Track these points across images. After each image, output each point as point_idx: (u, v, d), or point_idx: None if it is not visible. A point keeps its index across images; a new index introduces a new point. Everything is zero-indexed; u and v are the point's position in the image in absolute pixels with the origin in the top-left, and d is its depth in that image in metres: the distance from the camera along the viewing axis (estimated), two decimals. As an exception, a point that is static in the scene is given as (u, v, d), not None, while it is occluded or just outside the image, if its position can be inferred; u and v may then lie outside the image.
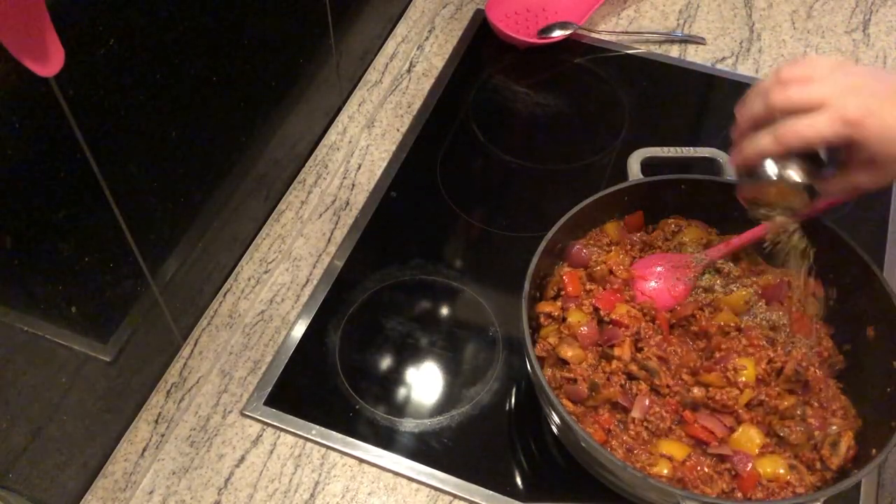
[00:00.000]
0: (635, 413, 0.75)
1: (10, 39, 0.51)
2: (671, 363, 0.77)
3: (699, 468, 0.73)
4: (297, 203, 1.03)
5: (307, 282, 0.97)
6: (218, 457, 0.84)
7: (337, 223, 1.02)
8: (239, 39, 0.84)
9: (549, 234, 0.83)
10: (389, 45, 1.20)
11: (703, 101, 1.16)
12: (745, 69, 1.17)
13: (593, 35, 1.21)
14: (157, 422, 0.86)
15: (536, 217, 1.00)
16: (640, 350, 0.78)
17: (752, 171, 0.70)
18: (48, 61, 0.53)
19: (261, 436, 0.86)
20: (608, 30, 1.22)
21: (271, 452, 0.85)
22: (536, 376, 0.75)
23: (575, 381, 0.77)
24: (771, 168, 0.68)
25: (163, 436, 0.85)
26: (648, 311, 0.81)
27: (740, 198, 0.74)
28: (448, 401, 0.88)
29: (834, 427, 0.76)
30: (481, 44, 1.22)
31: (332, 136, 1.10)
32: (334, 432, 0.85)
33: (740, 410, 0.75)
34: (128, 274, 0.77)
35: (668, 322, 0.81)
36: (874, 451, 0.72)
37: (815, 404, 0.77)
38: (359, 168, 1.07)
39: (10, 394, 0.67)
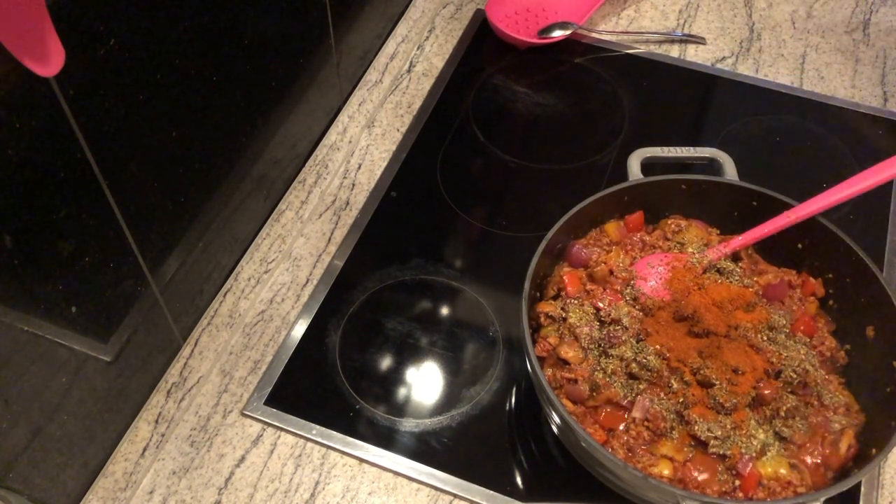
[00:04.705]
0: (636, 413, 0.75)
1: (10, 39, 0.51)
2: (672, 363, 0.77)
3: (700, 469, 0.73)
4: (297, 203, 1.04)
5: (307, 282, 0.97)
6: (218, 457, 0.84)
7: (337, 223, 1.02)
8: (239, 39, 0.84)
9: (549, 234, 0.83)
10: (389, 45, 1.20)
11: (703, 101, 1.16)
12: (745, 69, 1.18)
13: (593, 35, 1.21)
14: (157, 422, 0.86)
15: (536, 217, 1.00)
16: (640, 350, 0.78)
17: None
18: (48, 61, 0.53)
19: (261, 436, 0.86)
20: (608, 30, 1.22)
21: (271, 452, 0.85)
22: (536, 376, 0.75)
23: (575, 381, 0.77)
24: None
25: (163, 435, 0.85)
26: (650, 311, 0.81)
27: None
28: (448, 401, 0.88)
29: (836, 425, 0.76)
30: (481, 44, 1.22)
31: (332, 136, 1.10)
32: (334, 432, 0.85)
33: (741, 410, 0.75)
34: (128, 274, 0.77)
35: (669, 322, 0.81)
36: (874, 450, 0.72)
37: (816, 403, 0.77)
38: (359, 168, 1.07)
39: (10, 394, 0.67)
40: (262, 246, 0.99)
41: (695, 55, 1.20)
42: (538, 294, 0.84)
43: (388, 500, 0.82)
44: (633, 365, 0.77)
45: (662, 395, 0.77)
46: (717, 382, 0.75)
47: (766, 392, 0.75)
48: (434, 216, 1.03)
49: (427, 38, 1.22)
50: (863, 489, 0.82)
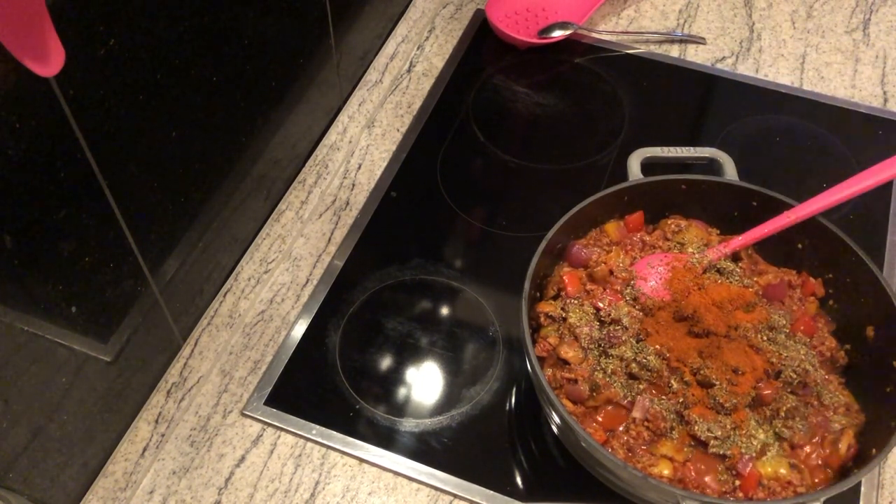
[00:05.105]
0: (636, 413, 0.75)
1: (10, 39, 0.50)
2: (672, 363, 0.77)
3: (700, 469, 0.73)
4: (298, 203, 1.04)
5: (307, 282, 0.97)
6: (218, 456, 0.84)
7: (337, 223, 1.02)
8: (239, 39, 0.84)
9: (549, 234, 0.83)
10: (389, 45, 1.20)
11: (703, 101, 1.16)
12: (745, 69, 1.18)
13: (593, 35, 1.21)
14: (157, 422, 0.86)
15: (536, 217, 1.00)
16: (640, 350, 0.78)
17: None
18: (48, 61, 0.53)
19: (261, 436, 0.86)
20: (608, 30, 1.22)
21: (271, 452, 0.85)
22: (537, 376, 0.75)
23: (576, 381, 0.77)
24: None
25: (163, 435, 0.85)
26: (650, 311, 0.81)
27: None
28: (448, 401, 0.88)
29: (836, 425, 0.76)
30: (481, 44, 1.22)
31: (332, 136, 1.10)
32: (334, 432, 0.85)
33: (741, 410, 0.75)
34: (128, 274, 0.77)
35: (669, 322, 0.80)
36: (874, 450, 0.72)
37: (816, 403, 0.77)
38: (359, 168, 1.07)
39: (10, 394, 0.67)
40: (262, 246, 0.99)
41: (695, 55, 1.20)
42: (538, 294, 0.84)
43: (388, 500, 0.82)
44: (633, 365, 0.77)
45: (662, 395, 0.77)
46: (717, 382, 0.75)
47: (766, 392, 0.75)
48: (434, 216, 1.03)
49: (427, 38, 1.22)
50: (863, 489, 0.82)
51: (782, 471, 0.73)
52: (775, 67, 1.18)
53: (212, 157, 0.86)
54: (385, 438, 0.85)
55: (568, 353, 0.79)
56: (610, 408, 0.77)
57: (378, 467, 0.84)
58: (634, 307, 0.81)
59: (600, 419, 0.76)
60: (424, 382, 0.89)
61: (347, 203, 1.04)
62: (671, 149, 0.91)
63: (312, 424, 0.86)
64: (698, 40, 1.21)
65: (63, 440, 0.75)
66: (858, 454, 0.75)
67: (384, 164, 1.07)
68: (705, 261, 0.84)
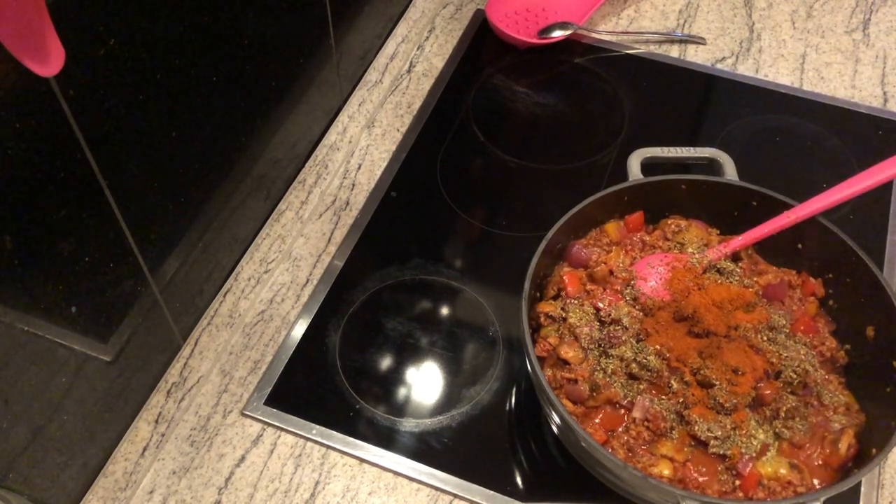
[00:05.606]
0: (636, 413, 0.75)
1: (10, 39, 0.50)
2: (672, 363, 0.77)
3: (700, 469, 0.73)
4: (297, 203, 1.04)
5: (307, 282, 0.97)
6: (218, 456, 0.84)
7: (337, 223, 1.02)
8: (239, 39, 0.84)
9: (549, 234, 0.83)
10: (389, 45, 1.20)
11: (703, 101, 1.16)
12: (745, 69, 1.18)
13: (593, 35, 1.21)
14: (157, 421, 0.86)
15: (536, 217, 1.00)
16: (640, 350, 0.78)
17: None
18: (48, 61, 0.53)
19: (261, 435, 0.86)
20: (608, 30, 1.22)
21: (271, 452, 0.85)
22: (537, 376, 0.75)
23: (576, 381, 0.77)
24: None
25: (163, 435, 0.85)
26: (650, 311, 0.81)
27: None
28: (448, 401, 0.88)
29: (836, 425, 0.76)
30: (481, 44, 1.22)
31: (332, 136, 1.10)
32: (334, 432, 0.85)
33: (741, 410, 0.75)
34: (128, 274, 0.77)
35: (669, 322, 0.80)
36: (874, 450, 0.72)
37: (816, 403, 0.77)
38: (359, 168, 1.07)
39: (10, 394, 0.67)
40: (262, 246, 0.99)
41: (695, 55, 1.20)
42: (538, 294, 0.84)
43: (389, 500, 0.82)
44: (633, 365, 0.77)
45: (662, 395, 0.77)
46: (717, 383, 0.75)
47: (766, 392, 0.75)
48: (434, 216, 1.03)
49: (427, 38, 1.22)
50: (863, 489, 0.82)
51: (782, 471, 0.73)
52: (775, 67, 1.18)
53: (212, 157, 0.86)
54: (385, 438, 0.85)
55: (568, 353, 0.79)
56: (610, 408, 0.77)
57: (378, 467, 0.84)
58: (634, 307, 0.81)
59: (600, 419, 0.76)
60: (424, 382, 0.89)
61: (347, 203, 1.04)
62: (671, 149, 0.91)
63: (312, 424, 0.86)
64: (698, 40, 1.21)
65: (63, 440, 0.75)
66: (858, 454, 0.75)
67: (384, 164, 1.07)
68: (705, 261, 0.84)
